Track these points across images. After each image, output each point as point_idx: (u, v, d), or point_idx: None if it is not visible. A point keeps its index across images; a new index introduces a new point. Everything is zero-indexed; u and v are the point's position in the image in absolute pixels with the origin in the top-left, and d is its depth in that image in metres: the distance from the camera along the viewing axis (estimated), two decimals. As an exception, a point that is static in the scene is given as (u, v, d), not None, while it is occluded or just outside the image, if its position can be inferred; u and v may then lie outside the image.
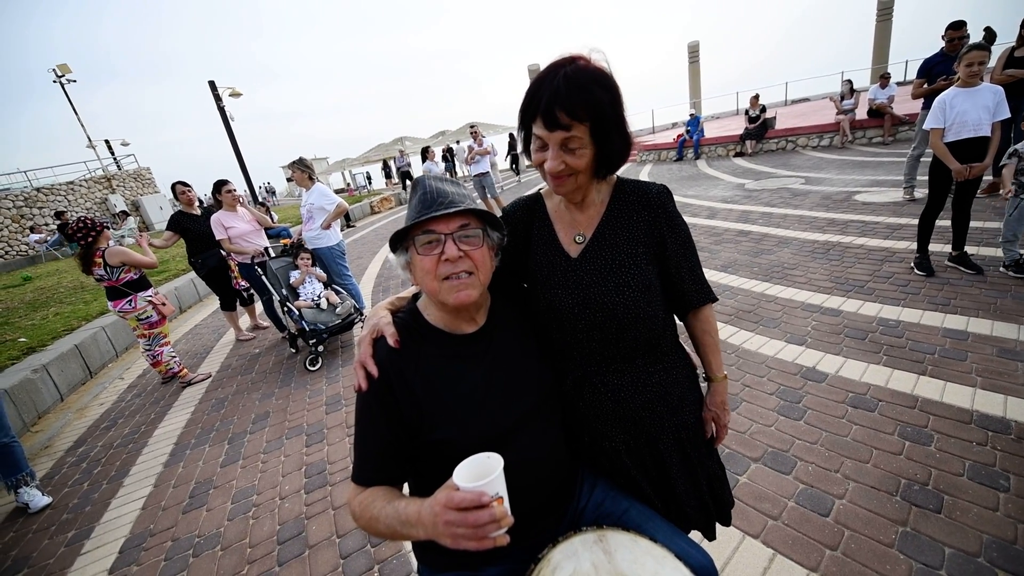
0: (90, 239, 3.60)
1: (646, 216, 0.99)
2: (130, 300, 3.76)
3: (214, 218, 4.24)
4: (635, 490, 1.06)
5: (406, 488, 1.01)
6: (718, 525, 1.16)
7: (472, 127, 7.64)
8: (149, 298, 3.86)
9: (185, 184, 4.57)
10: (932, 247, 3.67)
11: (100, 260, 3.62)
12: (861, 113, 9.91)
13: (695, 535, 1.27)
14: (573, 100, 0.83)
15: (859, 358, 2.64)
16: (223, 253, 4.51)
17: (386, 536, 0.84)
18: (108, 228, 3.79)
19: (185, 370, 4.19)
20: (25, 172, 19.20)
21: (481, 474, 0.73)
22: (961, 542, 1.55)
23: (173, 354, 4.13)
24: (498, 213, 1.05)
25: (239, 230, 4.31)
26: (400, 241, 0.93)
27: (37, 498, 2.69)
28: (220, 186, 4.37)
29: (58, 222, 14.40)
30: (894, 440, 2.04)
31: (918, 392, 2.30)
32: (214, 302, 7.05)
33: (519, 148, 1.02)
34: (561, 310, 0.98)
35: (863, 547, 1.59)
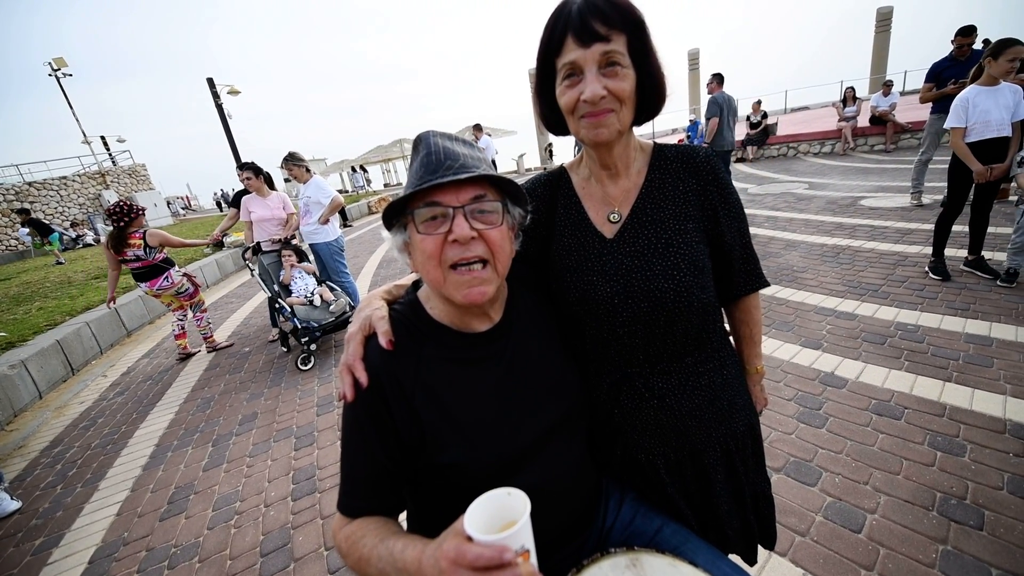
0: (124, 222, 3.87)
1: (694, 185, 0.84)
2: (167, 276, 4.10)
3: (243, 200, 4.28)
4: (669, 507, 0.92)
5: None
6: (760, 548, 1.01)
7: (476, 125, 7.52)
8: (183, 272, 4.24)
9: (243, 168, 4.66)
10: (946, 251, 3.56)
11: (139, 241, 3.92)
12: (863, 120, 9.91)
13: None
14: (608, 4, 0.71)
15: (879, 363, 2.52)
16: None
17: None
18: (143, 215, 4.10)
19: (213, 337, 4.53)
20: (18, 166, 18.97)
21: (499, 516, 0.56)
22: (1009, 562, 1.42)
23: (209, 320, 4.55)
24: None
25: (258, 215, 4.23)
26: (397, 215, 0.75)
27: (5, 502, 2.51)
28: (239, 169, 4.32)
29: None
30: (924, 450, 1.91)
31: (945, 399, 2.17)
32: (217, 292, 6.87)
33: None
34: (597, 301, 0.83)
35: (902, 567, 1.46)
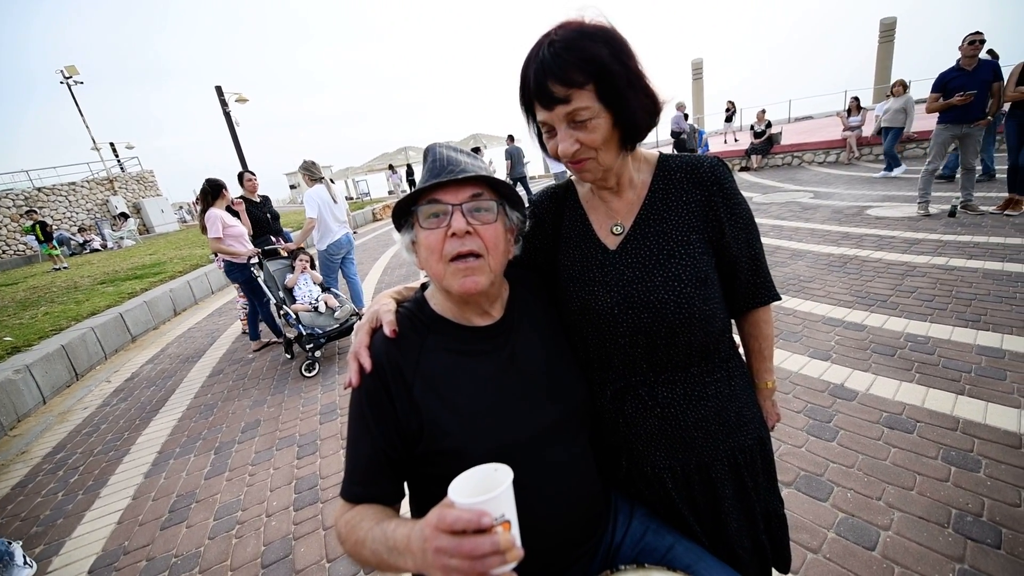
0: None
1: (698, 196, 0.84)
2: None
3: (212, 213, 3.94)
4: (679, 524, 0.90)
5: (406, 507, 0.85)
6: (775, 572, 0.98)
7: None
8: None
9: (251, 173, 4.89)
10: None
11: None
12: (868, 130, 9.89)
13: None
14: (563, 64, 0.69)
15: (890, 375, 2.48)
16: (272, 241, 4.73)
17: (373, 565, 0.69)
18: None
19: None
20: (28, 172, 19.17)
21: (486, 490, 0.56)
22: (1029, 584, 1.38)
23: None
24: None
25: (238, 229, 4.13)
26: (405, 215, 0.81)
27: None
28: (220, 187, 4.14)
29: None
30: (938, 465, 1.87)
31: (958, 413, 2.13)
32: (209, 306, 6.90)
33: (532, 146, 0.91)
34: (598, 311, 0.83)
35: (918, 587, 1.42)
